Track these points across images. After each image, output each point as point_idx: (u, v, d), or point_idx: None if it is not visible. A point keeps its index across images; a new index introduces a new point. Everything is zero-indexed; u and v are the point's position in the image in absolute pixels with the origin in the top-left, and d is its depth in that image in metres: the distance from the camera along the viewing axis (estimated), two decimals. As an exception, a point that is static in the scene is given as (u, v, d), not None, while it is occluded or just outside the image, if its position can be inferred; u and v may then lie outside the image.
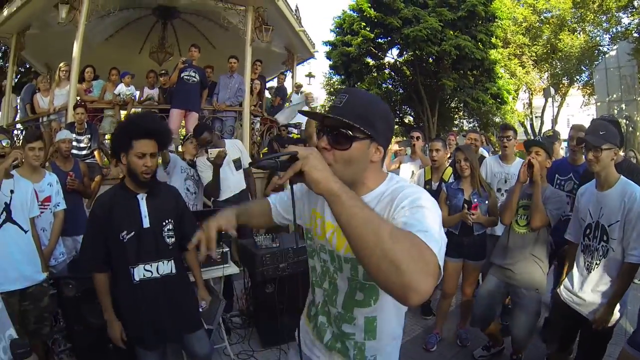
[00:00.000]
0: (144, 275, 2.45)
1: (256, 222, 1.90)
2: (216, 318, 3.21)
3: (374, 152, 1.35)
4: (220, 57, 8.78)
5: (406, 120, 25.38)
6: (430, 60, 20.58)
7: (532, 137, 19.21)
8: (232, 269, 3.81)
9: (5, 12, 7.92)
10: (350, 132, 1.28)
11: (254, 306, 4.25)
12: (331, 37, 22.33)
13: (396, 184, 1.39)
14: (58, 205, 3.87)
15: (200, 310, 2.75)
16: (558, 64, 25.03)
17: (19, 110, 8.52)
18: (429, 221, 1.14)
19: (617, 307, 2.64)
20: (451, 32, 18.77)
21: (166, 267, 2.53)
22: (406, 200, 1.24)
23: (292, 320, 3.78)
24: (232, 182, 4.87)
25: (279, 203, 1.78)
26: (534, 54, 24.43)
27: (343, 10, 21.80)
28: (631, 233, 2.54)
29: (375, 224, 0.99)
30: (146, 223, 2.46)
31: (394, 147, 6.06)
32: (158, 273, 2.49)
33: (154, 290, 2.47)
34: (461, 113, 24.74)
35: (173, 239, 2.59)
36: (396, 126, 25.07)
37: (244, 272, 4.26)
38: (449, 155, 4.89)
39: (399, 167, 5.51)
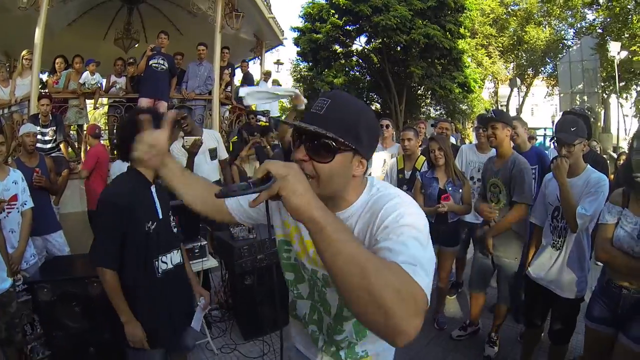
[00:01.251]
0: (166, 267, 2.37)
1: (192, 199, 1.56)
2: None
3: (357, 166, 1.24)
4: (187, 44, 8.62)
5: (373, 108, 25.40)
6: (399, 48, 20.65)
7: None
8: (211, 262, 3.78)
9: None
10: (334, 144, 1.16)
11: (233, 299, 4.21)
12: (299, 23, 22.20)
13: (377, 192, 1.29)
14: (25, 204, 3.65)
15: (200, 305, 2.66)
16: (524, 55, 26.09)
17: None
18: (415, 245, 1.06)
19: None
20: (420, 22, 18.83)
21: (176, 257, 2.45)
22: (389, 219, 1.15)
23: (273, 311, 3.83)
24: (205, 171, 4.75)
25: (237, 204, 1.58)
26: (500, 45, 25.31)
27: (312, -3, 21.71)
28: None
29: (361, 263, 0.91)
30: (160, 213, 2.37)
31: None
32: (172, 264, 2.41)
33: (172, 282, 2.39)
34: (428, 100, 25.02)
35: (176, 229, 2.53)
36: None
37: (221, 265, 4.21)
38: (420, 144, 4.93)
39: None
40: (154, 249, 2.30)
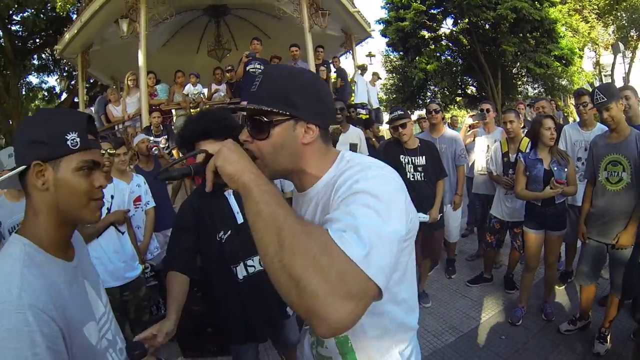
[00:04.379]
0: (247, 272, 2.41)
1: None
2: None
3: (304, 133, 1.12)
4: (276, 47, 8.95)
5: (469, 92, 24.52)
6: (487, 26, 19.68)
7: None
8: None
9: (67, 36, 8.88)
10: (265, 118, 1.09)
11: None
12: (384, 14, 21.98)
13: (346, 164, 1.15)
14: (148, 204, 4.18)
15: None
16: (624, 15, 23.13)
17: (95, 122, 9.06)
18: (366, 213, 0.90)
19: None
20: (505, -6, 17.70)
21: None
22: (344, 186, 1.02)
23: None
24: None
25: None
26: (595, 7, 22.67)
27: (392, -15, 21.35)
28: None
29: (278, 224, 0.83)
30: (240, 218, 2.38)
31: (467, 120, 6.00)
32: (260, 265, 2.37)
33: (260, 284, 2.39)
34: (525, 79, 23.41)
35: None
36: (459, 98, 24.38)
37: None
38: (522, 125, 4.77)
39: (473, 141, 5.46)
40: (232, 256, 2.38)
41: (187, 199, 2.54)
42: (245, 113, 1.14)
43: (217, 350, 3.59)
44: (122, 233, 3.36)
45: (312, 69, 8.21)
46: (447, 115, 16.66)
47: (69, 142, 1.13)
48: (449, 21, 21.84)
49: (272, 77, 1.13)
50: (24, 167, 1.13)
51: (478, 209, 5.34)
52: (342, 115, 4.92)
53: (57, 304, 1.03)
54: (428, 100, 17.86)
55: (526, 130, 4.59)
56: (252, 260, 2.41)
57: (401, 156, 4.10)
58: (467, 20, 19.66)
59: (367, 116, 9.48)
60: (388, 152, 4.26)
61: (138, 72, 7.87)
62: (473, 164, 5.33)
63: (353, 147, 5.04)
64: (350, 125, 5.31)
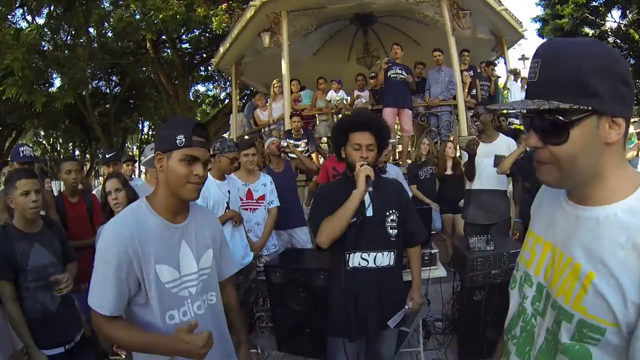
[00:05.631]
0: (359, 264, 2.47)
1: None
2: (414, 321, 3.13)
3: (608, 129, 0.89)
4: (426, 52, 8.71)
5: (642, 100, 21.59)
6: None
7: None
8: (439, 271, 3.68)
9: (221, 50, 9.91)
10: (561, 117, 0.89)
11: (458, 313, 4.00)
12: (539, 11, 20.30)
13: None
14: (272, 203, 4.41)
15: (407, 308, 2.61)
16: None
17: (244, 125, 9.97)
18: None
19: None
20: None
21: (385, 259, 2.50)
22: None
23: (498, 334, 3.52)
24: (484, 175, 4.56)
25: None
26: None
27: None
28: None
29: None
30: (370, 212, 2.49)
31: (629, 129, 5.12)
32: (375, 264, 2.48)
33: (366, 280, 2.46)
34: None
35: (396, 231, 2.55)
36: (635, 106, 21.48)
37: (454, 275, 4.05)
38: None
39: (638, 155, 4.67)
40: (350, 242, 2.45)
41: (324, 187, 2.92)
42: (520, 109, 0.99)
43: (310, 351, 3.79)
44: (237, 227, 3.79)
45: (457, 73, 7.87)
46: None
47: (177, 141, 1.58)
48: (616, 14, 19.29)
49: (556, 59, 0.91)
50: (153, 155, 1.68)
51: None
52: (482, 122, 4.51)
53: (140, 239, 1.58)
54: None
55: None
56: (369, 255, 2.49)
57: None
58: (636, 10, 17.25)
59: (521, 127, 8.80)
60: (531, 164, 3.85)
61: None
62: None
63: (499, 160, 4.51)
64: (501, 134, 4.78)
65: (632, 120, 3.76)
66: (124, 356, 4.23)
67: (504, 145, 4.54)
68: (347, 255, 2.46)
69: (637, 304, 0.83)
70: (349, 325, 2.48)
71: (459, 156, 4.99)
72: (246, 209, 4.24)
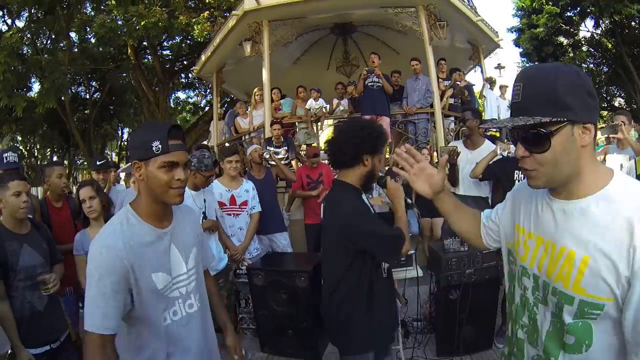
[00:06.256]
0: (385, 273, 2.46)
1: (459, 230, 1.68)
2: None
3: (581, 135, 1.09)
4: (405, 61, 8.87)
5: (616, 104, 22.10)
6: (633, 23, 17.56)
7: None
8: (414, 272, 3.80)
9: (203, 57, 10.06)
10: (543, 129, 1.08)
11: (435, 312, 4.16)
12: (515, 22, 20.73)
13: (634, 189, 1.09)
14: (253, 209, 4.54)
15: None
16: None
17: (224, 132, 10.04)
18: None
19: None
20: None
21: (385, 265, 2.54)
22: None
23: (473, 332, 3.71)
24: (467, 182, 4.68)
25: (487, 221, 1.58)
26: None
27: (521, -12, 19.96)
28: None
29: None
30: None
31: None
32: (385, 272, 2.47)
33: (389, 288, 2.52)
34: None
35: None
36: (605, 112, 21.87)
37: (430, 277, 4.20)
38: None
39: (604, 159, 4.89)
40: None
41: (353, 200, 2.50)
42: (509, 126, 1.16)
43: (293, 352, 3.92)
44: (213, 233, 3.90)
45: (434, 82, 8.07)
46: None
47: (153, 148, 1.55)
48: (589, 23, 19.94)
49: (534, 81, 1.12)
50: (130, 163, 1.62)
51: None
52: (472, 127, 4.62)
53: (134, 250, 1.56)
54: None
55: None
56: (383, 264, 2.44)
57: (516, 172, 3.92)
58: (608, 18, 17.67)
59: (498, 133, 9.02)
60: (500, 168, 4.11)
61: (264, 89, 8.54)
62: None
63: None
64: (486, 141, 4.82)
65: (599, 126, 3.90)
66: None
67: (488, 151, 4.56)
68: (383, 264, 2.42)
69: (627, 276, 1.00)
70: (386, 337, 2.50)
71: (436, 163, 5.11)
72: (229, 214, 4.37)
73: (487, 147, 4.62)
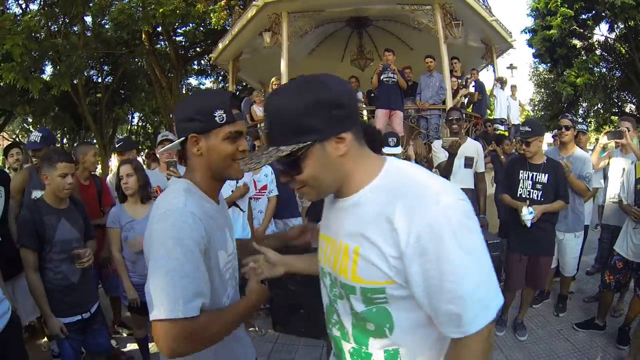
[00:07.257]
0: None
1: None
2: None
3: (335, 147, 1.09)
4: (418, 57, 9.00)
5: (627, 109, 21.80)
6: (647, 29, 17.17)
7: None
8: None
9: (220, 46, 10.21)
10: (291, 156, 1.10)
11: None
12: (529, 22, 20.62)
13: (400, 178, 1.13)
14: (272, 192, 4.75)
15: None
16: None
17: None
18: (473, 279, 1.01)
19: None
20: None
21: None
22: (426, 236, 1.00)
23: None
24: (459, 176, 4.83)
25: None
26: None
27: (537, -10, 19.82)
28: None
29: None
30: None
31: (602, 139, 5.36)
32: None
33: None
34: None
35: None
36: (615, 117, 21.35)
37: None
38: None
39: (608, 164, 5.02)
40: None
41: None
42: (263, 162, 1.15)
43: (304, 331, 3.99)
44: (243, 212, 4.06)
45: (447, 80, 8.23)
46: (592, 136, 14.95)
47: (216, 118, 1.39)
48: (604, 27, 19.74)
49: (277, 108, 1.11)
50: (183, 138, 1.46)
51: (606, 242, 4.75)
52: (459, 126, 4.70)
53: (208, 222, 1.38)
54: (580, 119, 16.25)
55: None
56: None
57: (521, 172, 3.98)
58: (623, 23, 17.49)
59: (507, 132, 9.16)
60: (510, 166, 4.20)
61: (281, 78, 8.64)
62: (607, 191, 4.90)
63: (469, 161, 4.93)
64: (469, 138, 5.15)
65: (605, 130, 4.10)
66: (125, 334, 4.48)
67: (473, 147, 4.92)
68: None
69: (395, 256, 1.04)
70: None
71: (431, 155, 5.27)
72: (250, 198, 4.52)
73: (471, 142, 5.00)
